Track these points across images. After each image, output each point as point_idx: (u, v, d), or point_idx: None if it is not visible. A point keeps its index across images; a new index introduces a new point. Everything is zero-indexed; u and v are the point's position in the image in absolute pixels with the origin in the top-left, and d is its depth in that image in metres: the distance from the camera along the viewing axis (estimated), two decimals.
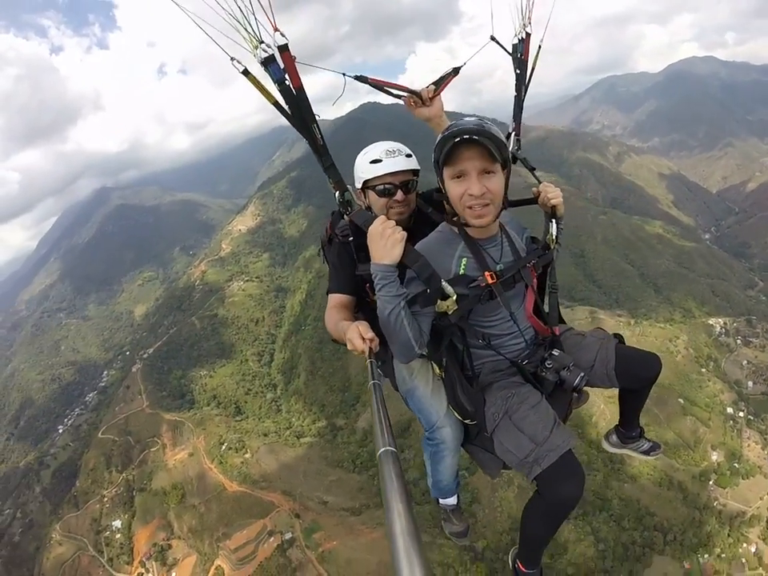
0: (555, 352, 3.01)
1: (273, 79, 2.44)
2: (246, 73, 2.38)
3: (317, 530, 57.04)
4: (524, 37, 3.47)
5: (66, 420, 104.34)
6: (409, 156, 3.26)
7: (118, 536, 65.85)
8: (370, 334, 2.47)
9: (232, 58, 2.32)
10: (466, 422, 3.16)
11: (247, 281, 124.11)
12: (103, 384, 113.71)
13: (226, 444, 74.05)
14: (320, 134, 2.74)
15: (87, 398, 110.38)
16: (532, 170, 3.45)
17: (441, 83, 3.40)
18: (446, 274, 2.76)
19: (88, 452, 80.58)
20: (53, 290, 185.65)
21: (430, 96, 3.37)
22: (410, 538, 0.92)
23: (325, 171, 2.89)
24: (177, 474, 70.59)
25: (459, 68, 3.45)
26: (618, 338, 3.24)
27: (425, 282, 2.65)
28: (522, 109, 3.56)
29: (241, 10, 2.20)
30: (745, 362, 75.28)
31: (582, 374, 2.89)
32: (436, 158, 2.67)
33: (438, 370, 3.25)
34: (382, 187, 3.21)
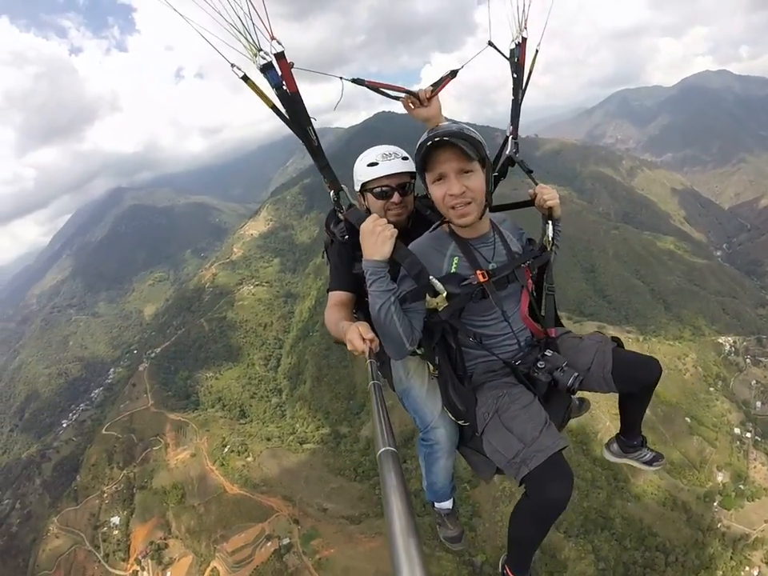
0: (548, 353, 3.02)
1: (270, 84, 2.55)
2: (245, 78, 2.51)
3: (315, 536, 56.73)
4: (520, 41, 3.51)
5: (70, 415, 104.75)
6: (405, 159, 3.32)
7: (116, 532, 65.96)
8: (370, 335, 2.50)
9: (232, 65, 2.43)
10: (459, 423, 3.13)
11: (257, 285, 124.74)
12: (109, 381, 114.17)
13: (228, 446, 73.96)
14: (315, 135, 2.79)
15: (93, 394, 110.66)
16: (529, 172, 3.48)
17: (439, 84, 3.42)
18: (437, 272, 2.79)
19: (90, 447, 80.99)
20: (64, 286, 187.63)
21: (427, 96, 3.39)
22: (409, 537, 0.92)
23: (320, 171, 2.96)
24: (178, 473, 70.62)
25: (457, 71, 3.46)
26: (617, 341, 3.20)
27: (414, 277, 2.70)
28: (519, 112, 3.61)
29: (241, 21, 2.32)
30: (754, 382, 74.51)
31: (576, 375, 2.88)
32: (417, 163, 2.76)
33: (432, 370, 3.30)
34: (379, 190, 3.28)
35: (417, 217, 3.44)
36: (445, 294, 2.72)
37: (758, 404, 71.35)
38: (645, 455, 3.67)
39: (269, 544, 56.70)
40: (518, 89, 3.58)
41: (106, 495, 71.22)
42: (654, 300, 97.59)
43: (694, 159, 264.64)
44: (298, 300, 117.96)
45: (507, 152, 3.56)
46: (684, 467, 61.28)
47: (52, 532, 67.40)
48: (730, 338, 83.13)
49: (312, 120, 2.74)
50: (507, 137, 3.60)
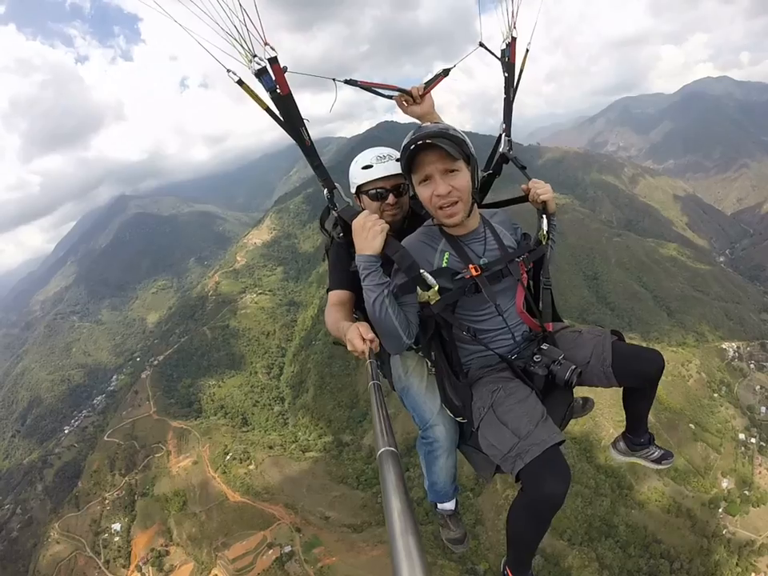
0: (545, 346, 2.99)
1: (265, 88, 2.68)
2: (240, 83, 2.65)
3: (317, 544, 56.44)
4: (510, 41, 3.58)
5: (72, 421, 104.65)
6: (399, 160, 3.26)
7: (117, 539, 65.57)
8: (370, 335, 2.52)
9: (228, 70, 2.56)
10: (458, 420, 3.15)
11: (260, 294, 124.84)
12: (112, 388, 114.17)
13: (230, 454, 73.77)
14: (308, 136, 2.88)
15: (95, 401, 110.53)
16: (522, 168, 3.50)
17: (431, 83, 3.57)
18: (429, 267, 2.84)
19: (92, 454, 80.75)
20: (68, 293, 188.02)
21: (420, 94, 3.53)
22: (409, 538, 0.91)
23: (314, 170, 3.05)
24: (180, 481, 70.39)
25: (449, 69, 3.61)
26: (617, 334, 3.14)
27: (405, 271, 2.75)
28: (511, 110, 3.66)
29: (237, 29, 2.44)
30: (758, 387, 74.20)
31: (574, 368, 2.85)
32: (402, 166, 2.80)
33: (429, 366, 3.33)
34: (374, 192, 3.34)
35: (413, 217, 3.47)
36: (437, 288, 2.75)
37: (763, 409, 70.95)
38: (653, 453, 3.64)
39: (270, 552, 56.37)
40: (510, 87, 3.65)
41: (107, 501, 70.91)
42: (657, 307, 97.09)
43: (696, 165, 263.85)
44: (300, 308, 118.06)
45: (501, 150, 3.59)
46: (688, 474, 60.85)
47: (53, 538, 66.97)
48: (733, 344, 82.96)
49: (305, 121, 2.85)
50: (500, 135, 3.65)
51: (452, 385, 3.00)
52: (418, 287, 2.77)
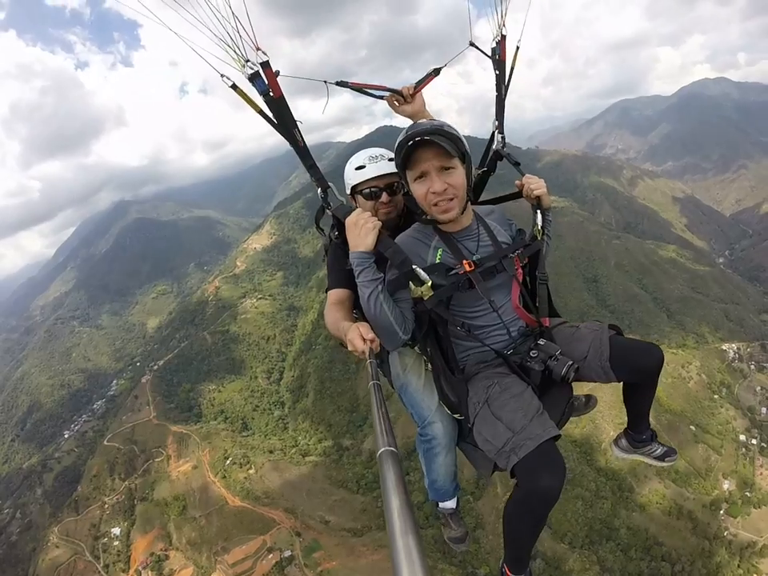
0: (541, 342, 2.98)
1: (258, 92, 2.78)
2: (234, 87, 2.75)
3: (317, 549, 56.38)
4: (500, 39, 3.65)
5: (72, 426, 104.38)
6: (392, 160, 3.33)
7: (116, 543, 65.41)
8: (370, 335, 2.53)
9: (222, 75, 2.66)
10: (455, 416, 3.15)
11: (260, 298, 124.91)
12: (112, 393, 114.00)
13: (230, 459, 73.71)
14: (301, 137, 2.95)
15: (95, 406, 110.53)
16: (516, 165, 3.50)
17: (422, 82, 3.63)
18: (422, 263, 2.85)
19: (92, 458, 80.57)
20: (68, 298, 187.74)
21: (410, 93, 3.58)
22: (410, 537, 0.91)
23: (307, 170, 3.13)
24: (180, 485, 70.26)
25: (440, 69, 3.66)
26: (615, 329, 3.11)
27: (397, 266, 2.76)
28: (503, 107, 3.71)
29: (230, 35, 2.55)
30: (759, 388, 74.07)
31: (570, 363, 2.81)
32: (397, 162, 2.82)
33: (426, 362, 3.36)
34: (368, 191, 3.38)
35: (408, 215, 3.45)
36: (430, 283, 2.76)
37: (764, 410, 70.93)
38: (655, 450, 3.57)
39: (270, 556, 56.26)
40: (501, 85, 3.71)
41: (106, 506, 70.78)
42: (656, 308, 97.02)
43: (695, 167, 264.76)
44: (300, 313, 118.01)
45: (494, 147, 3.63)
46: (689, 475, 60.77)
47: (52, 542, 66.83)
48: (733, 345, 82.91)
49: (298, 123, 2.92)
50: (493, 132, 3.68)
51: (448, 380, 3.01)
52: (410, 283, 2.78)
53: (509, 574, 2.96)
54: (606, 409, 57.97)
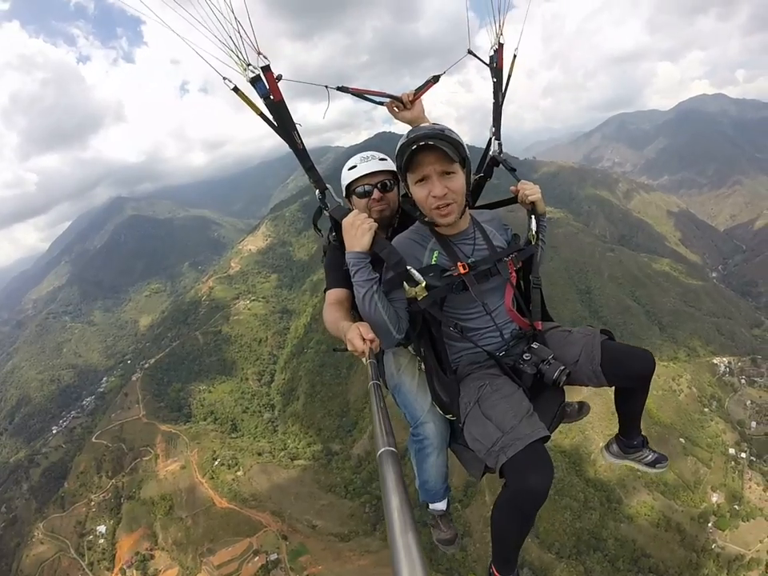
0: (535, 345, 3.01)
1: (259, 95, 2.82)
2: (235, 90, 2.79)
3: (303, 553, 56.20)
4: (497, 47, 3.70)
5: (60, 421, 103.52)
6: (383, 159, 3.51)
7: (101, 541, 65.13)
8: (370, 335, 2.52)
9: (224, 78, 2.69)
10: (447, 417, 3.14)
11: (253, 300, 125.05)
12: (102, 390, 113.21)
13: (219, 460, 73.46)
14: (300, 140, 3.00)
15: (84, 402, 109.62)
16: (512, 170, 3.57)
17: (421, 89, 3.68)
18: (418, 264, 2.89)
19: (80, 455, 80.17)
20: (61, 293, 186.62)
21: (410, 99, 3.63)
22: (409, 536, 0.92)
23: (306, 171, 3.17)
24: (167, 485, 69.92)
25: (439, 76, 3.70)
26: (607, 334, 3.11)
27: (392, 267, 2.81)
28: (500, 114, 3.75)
29: (232, 39, 2.59)
30: (749, 402, 74.35)
31: (563, 368, 2.86)
32: (398, 165, 2.84)
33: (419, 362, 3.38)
34: (360, 189, 3.48)
35: (404, 217, 3.54)
36: (424, 284, 2.80)
37: (753, 424, 71.19)
38: (647, 456, 3.55)
39: (256, 559, 56.07)
40: (498, 92, 3.75)
41: (93, 503, 70.43)
42: (649, 321, 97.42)
43: (690, 182, 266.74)
44: (293, 316, 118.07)
45: (491, 153, 3.69)
46: (678, 488, 60.96)
47: (37, 538, 66.46)
48: (725, 359, 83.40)
49: (297, 126, 2.97)
50: (490, 138, 3.73)
51: (440, 380, 3.02)
52: (405, 283, 2.83)
53: (497, 574, 2.96)
54: (595, 420, 58.06)
